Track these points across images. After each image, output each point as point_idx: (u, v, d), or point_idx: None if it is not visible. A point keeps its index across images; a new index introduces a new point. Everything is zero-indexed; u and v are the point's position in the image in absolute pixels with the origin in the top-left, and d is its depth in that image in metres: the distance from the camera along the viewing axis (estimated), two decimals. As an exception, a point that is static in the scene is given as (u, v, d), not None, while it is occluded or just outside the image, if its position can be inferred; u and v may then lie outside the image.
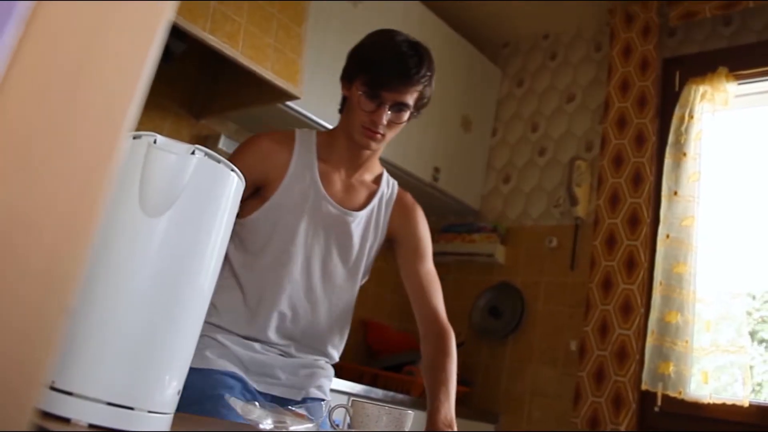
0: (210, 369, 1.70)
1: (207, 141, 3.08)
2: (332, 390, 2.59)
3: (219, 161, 0.95)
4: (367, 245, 1.99)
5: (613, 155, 3.34)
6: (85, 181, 0.45)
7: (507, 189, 3.85)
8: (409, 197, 2.08)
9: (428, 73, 1.88)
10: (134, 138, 0.92)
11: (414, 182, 3.53)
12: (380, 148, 1.98)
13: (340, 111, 1.98)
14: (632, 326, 3.02)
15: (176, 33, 2.41)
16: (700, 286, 2.94)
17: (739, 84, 3.21)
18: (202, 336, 1.56)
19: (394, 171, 3.39)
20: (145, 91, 0.56)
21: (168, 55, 2.63)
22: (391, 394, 2.86)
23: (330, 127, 3.00)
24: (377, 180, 2.04)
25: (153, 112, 2.88)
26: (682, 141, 3.18)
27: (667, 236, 3.06)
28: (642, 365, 2.97)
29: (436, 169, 3.58)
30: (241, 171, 1.57)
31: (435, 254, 3.75)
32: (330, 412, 1.36)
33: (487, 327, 3.60)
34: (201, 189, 0.92)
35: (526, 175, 3.79)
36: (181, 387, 0.97)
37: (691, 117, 3.20)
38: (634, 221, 3.17)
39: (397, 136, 3.28)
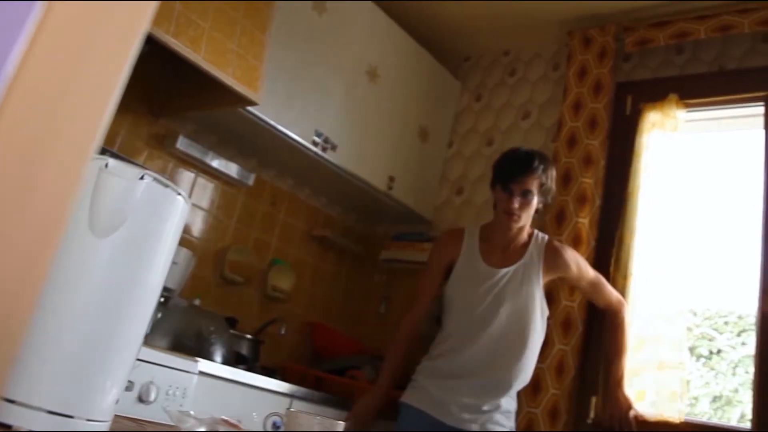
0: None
1: (165, 140, 3.10)
2: (276, 392, 2.66)
3: (167, 186, 1.00)
4: (528, 288, 2.75)
5: (561, 173, 3.41)
6: (40, 239, 0.51)
7: (459, 201, 3.92)
8: (555, 243, 2.86)
9: (541, 165, 2.69)
10: (87, 160, 0.97)
11: (368, 190, 3.58)
12: (526, 225, 2.78)
13: (494, 208, 2.82)
14: (571, 342, 3.11)
15: (139, 35, 2.43)
16: (640, 303, 3.04)
17: (688, 111, 3.32)
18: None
19: (350, 178, 3.46)
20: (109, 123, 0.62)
21: (130, 56, 2.65)
22: (332, 397, 2.92)
23: (286, 131, 3.08)
24: (528, 241, 2.82)
25: (112, 109, 2.90)
26: (631, 163, 3.30)
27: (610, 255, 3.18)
28: (579, 380, 3.07)
29: (391, 178, 3.64)
30: (437, 262, 2.88)
31: (385, 261, 3.84)
32: (266, 420, 1.41)
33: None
34: (148, 212, 0.97)
35: (478, 188, 3.85)
36: (119, 395, 1.03)
37: (640, 141, 3.32)
38: (577, 240, 3.26)
39: (354, 143, 3.39)
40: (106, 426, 1.00)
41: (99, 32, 0.57)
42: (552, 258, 2.79)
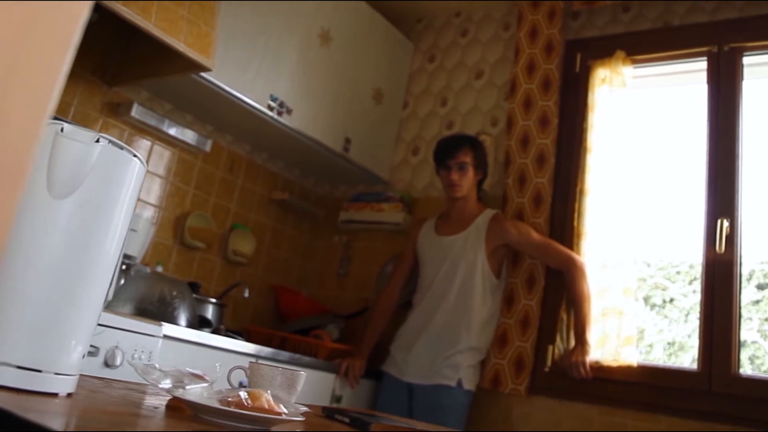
0: None
1: (119, 108, 3.09)
2: (241, 353, 2.72)
3: (122, 148, 1.04)
4: (473, 253, 3.16)
5: (520, 136, 3.48)
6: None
7: (416, 160, 3.98)
8: (500, 214, 3.24)
9: (468, 141, 3.23)
10: (43, 125, 1.00)
11: (325, 152, 3.62)
12: (470, 197, 3.24)
13: (444, 190, 3.29)
14: (535, 297, 3.21)
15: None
16: (597, 255, 3.15)
17: (635, 67, 3.40)
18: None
19: (306, 141, 3.49)
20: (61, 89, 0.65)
21: (80, 24, 2.63)
22: (297, 356, 2.98)
23: (241, 96, 3.10)
24: (477, 214, 3.23)
25: (64, 78, 2.88)
26: (583, 119, 3.39)
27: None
28: (540, 332, 3.18)
29: (347, 140, 3.68)
30: (406, 244, 3.48)
31: (344, 222, 3.90)
32: (229, 373, 1.47)
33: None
34: (105, 174, 1.01)
35: (434, 147, 3.91)
36: (86, 351, 1.08)
37: (590, 97, 3.40)
38: (538, 200, 3.35)
39: (309, 106, 3.43)
40: (73, 380, 1.05)
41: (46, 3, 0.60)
42: (494, 225, 3.18)
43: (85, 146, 0.99)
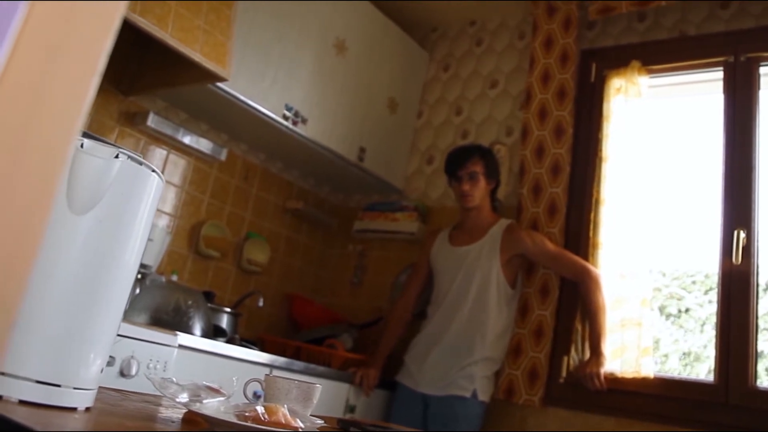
0: None
1: (136, 118, 3.11)
2: (256, 362, 2.72)
3: (141, 163, 1.04)
4: (488, 263, 3.13)
5: (535, 146, 3.47)
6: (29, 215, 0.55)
7: (430, 170, 3.98)
8: (513, 224, 3.23)
9: (478, 150, 3.23)
10: (63, 141, 1.00)
11: (340, 162, 3.62)
12: (483, 207, 3.22)
13: (457, 201, 3.27)
14: (549, 307, 3.20)
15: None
16: (612, 265, 3.13)
17: (651, 77, 3.38)
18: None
19: (321, 151, 3.50)
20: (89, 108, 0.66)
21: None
22: (311, 366, 2.98)
23: (257, 106, 3.11)
24: (492, 224, 3.21)
25: (82, 88, 2.90)
26: (598, 129, 3.37)
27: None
28: (555, 343, 3.16)
29: (362, 149, 3.68)
30: (420, 255, 3.45)
31: (358, 231, 3.90)
32: (245, 386, 1.47)
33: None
34: (124, 189, 1.01)
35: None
36: (104, 365, 1.08)
37: (605, 107, 3.39)
38: (553, 209, 3.33)
39: (324, 116, 3.44)
40: (92, 394, 1.05)
41: (78, 23, 0.61)
42: (509, 235, 3.17)
43: (105, 162, 1.00)
